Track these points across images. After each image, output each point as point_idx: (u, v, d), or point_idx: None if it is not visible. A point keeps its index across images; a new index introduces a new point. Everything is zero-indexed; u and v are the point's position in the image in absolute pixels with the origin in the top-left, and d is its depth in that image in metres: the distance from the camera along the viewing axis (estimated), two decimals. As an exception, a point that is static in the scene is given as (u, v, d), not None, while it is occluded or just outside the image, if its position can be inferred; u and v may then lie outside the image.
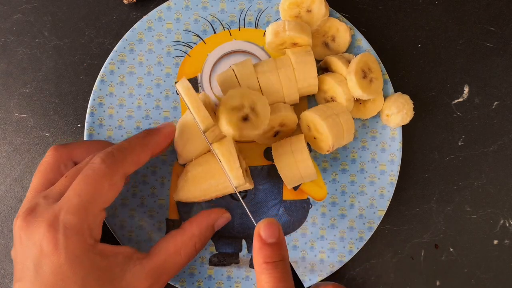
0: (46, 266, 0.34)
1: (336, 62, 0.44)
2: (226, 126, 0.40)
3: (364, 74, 0.43)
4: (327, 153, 0.43)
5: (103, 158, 0.36)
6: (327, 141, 0.41)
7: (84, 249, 0.34)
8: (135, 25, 0.46)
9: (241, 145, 0.46)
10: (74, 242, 0.34)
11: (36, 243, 0.34)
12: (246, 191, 0.46)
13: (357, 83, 0.42)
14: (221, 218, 0.42)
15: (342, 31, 0.45)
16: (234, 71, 0.42)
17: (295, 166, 0.42)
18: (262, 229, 0.36)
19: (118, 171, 0.36)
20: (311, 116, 0.42)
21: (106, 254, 0.36)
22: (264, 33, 0.46)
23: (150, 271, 0.37)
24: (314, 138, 0.43)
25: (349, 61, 0.44)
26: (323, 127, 0.41)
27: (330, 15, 0.45)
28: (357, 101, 0.45)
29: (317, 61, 0.46)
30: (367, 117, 0.45)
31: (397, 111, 0.44)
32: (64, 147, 0.40)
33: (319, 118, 0.41)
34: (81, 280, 0.34)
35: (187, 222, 0.41)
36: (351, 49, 0.46)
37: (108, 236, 0.47)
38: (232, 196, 0.46)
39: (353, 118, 0.45)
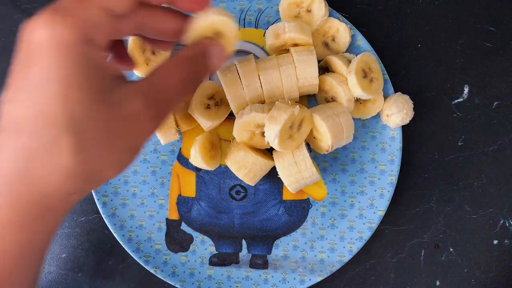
0: (38, 57, 0.27)
1: (336, 62, 0.44)
2: (274, 141, 0.40)
3: (365, 74, 0.43)
4: (326, 153, 0.43)
5: None
6: (327, 141, 0.41)
7: (75, 36, 0.28)
8: (135, 25, 0.46)
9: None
10: (63, 25, 0.28)
11: (33, 32, 0.28)
12: (246, 190, 0.46)
13: (358, 82, 0.42)
14: (215, 46, 0.35)
15: (342, 31, 0.45)
16: (236, 67, 0.42)
17: (299, 175, 0.42)
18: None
19: None
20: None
21: (99, 59, 0.29)
22: (264, 33, 0.46)
23: (143, 90, 0.31)
24: (314, 137, 0.43)
25: (349, 61, 0.44)
26: (323, 127, 0.41)
27: (330, 15, 0.45)
28: (357, 101, 0.45)
29: (318, 61, 0.46)
30: (367, 117, 0.45)
31: (397, 111, 0.44)
32: None
33: (319, 118, 0.41)
34: (67, 74, 0.27)
35: (180, 50, 0.34)
36: (351, 49, 0.46)
37: (108, 237, 0.47)
38: (231, 196, 0.46)
39: (353, 118, 0.45)
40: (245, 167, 0.43)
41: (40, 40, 0.27)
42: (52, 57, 0.27)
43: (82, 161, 0.27)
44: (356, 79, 0.42)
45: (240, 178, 0.43)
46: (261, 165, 0.43)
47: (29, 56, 0.28)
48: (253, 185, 0.44)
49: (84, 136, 0.27)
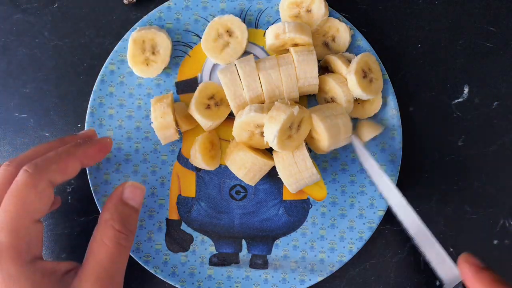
0: None
1: (336, 62, 0.44)
2: (273, 141, 0.40)
3: (365, 74, 0.43)
4: (323, 153, 0.43)
5: (26, 169, 0.35)
6: (324, 141, 0.41)
7: (19, 267, 0.32)
8: (135, 25, 0.46)
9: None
10: (7, 261, 0.32)
11: None
12: (246, 190, 0.46)
13: (358, 82, 0.42)
14: (127, 188, 0.39)
15: (342, 31, 0.45)
16: (236, 67, 0.42)
17: (299, 176, 0.42)
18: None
19: (41, 179, 0.35)
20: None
21: (46, 272, 0.34)
22: (264, 33, 0.46)
23: (86, 276, 0.35)
24: (312, 138, 0.43)
25: (349, 61, 0.44)
26: (321, 127, 0.41)
27: (330, 15, 0.45)
28: (356, 101, 0.45)
29: (317, 61, 0.46)
30: (365, 117, 0.45)
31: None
32: None
33: (317, 118, 0.41)
34: None
35: (101, 213, 0.39)
36: (351, 49, 0.46)
37: (108, 236, 0.47)
38: (231, 196, 0.46)
39: (352, 118, 0.45)
40: (244, 167, 0.43)
41: None
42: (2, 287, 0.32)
43: None
44: (356, 79, 0.42)
45: (240, 178, 0.43)
46: (260, 165, 0.43)
47: None
48: (253, 185, 0.44)
49: None
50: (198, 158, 0.43)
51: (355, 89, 0.42)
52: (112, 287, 0.36)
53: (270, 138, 0.40)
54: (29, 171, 0.34)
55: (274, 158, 0.43)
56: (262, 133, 0.42)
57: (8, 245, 0.32)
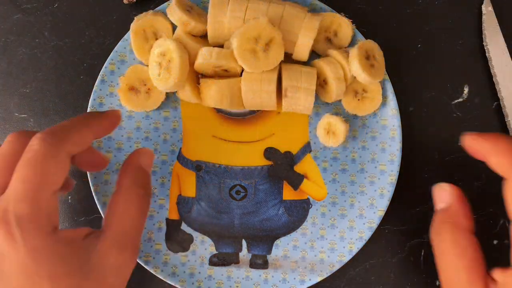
0: (8, 266, 0.31)
1: (337, 56, 0.44)
2: (235, 47, 0.40)
3: (367, 56, 0.43)
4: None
5: (44, 138, 0.33)
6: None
7: (43, 238, 0.31)
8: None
9: (241, 145, 0.46)
10: (31, 233, 0.31)
11: None
12: (246, 190, 0.46)
13: (359, 61, 0.42)
14: (143, 155, 0.39)
15: (344, 26, 0.45)
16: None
17: (258, 94, 0.42)
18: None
19: (61, 149, 0.33)
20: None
21: (67, 240, 0.33)
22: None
23: (111, 241, 0.34)
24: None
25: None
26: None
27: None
28: (355, 98, 0.45)
29: (319, 56, 0.46)
30: (364, 114, 0.45)
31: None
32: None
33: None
34: (47, 273, 0.31)
35: (117, 181, 0.38)
36: (353, 46, 0.46)
37: (108, 236, 0.47)
38: (232, 196, 0.46)
39: (352, 117, 0.45)
40: (225, 96, 0.42)
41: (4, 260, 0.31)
42: (28, 259, 0.31)
43: None
44: (357, 56, 0.42)
45: (227, 108, 0.44)
46: (237, 84, 0.42)
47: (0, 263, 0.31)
48: (242, 109, 0.45)
49: None
50: (187, 90, 0.44)
51: (357, 70, 0.42)
52: (135, 252, 0.36)
53: (233, 43, 0.40)
54: (48, 140, 0.33)
55: (243, 73, 0.43)
56: (224, 70, 0.42)
57: (30, 218, 0.31)
